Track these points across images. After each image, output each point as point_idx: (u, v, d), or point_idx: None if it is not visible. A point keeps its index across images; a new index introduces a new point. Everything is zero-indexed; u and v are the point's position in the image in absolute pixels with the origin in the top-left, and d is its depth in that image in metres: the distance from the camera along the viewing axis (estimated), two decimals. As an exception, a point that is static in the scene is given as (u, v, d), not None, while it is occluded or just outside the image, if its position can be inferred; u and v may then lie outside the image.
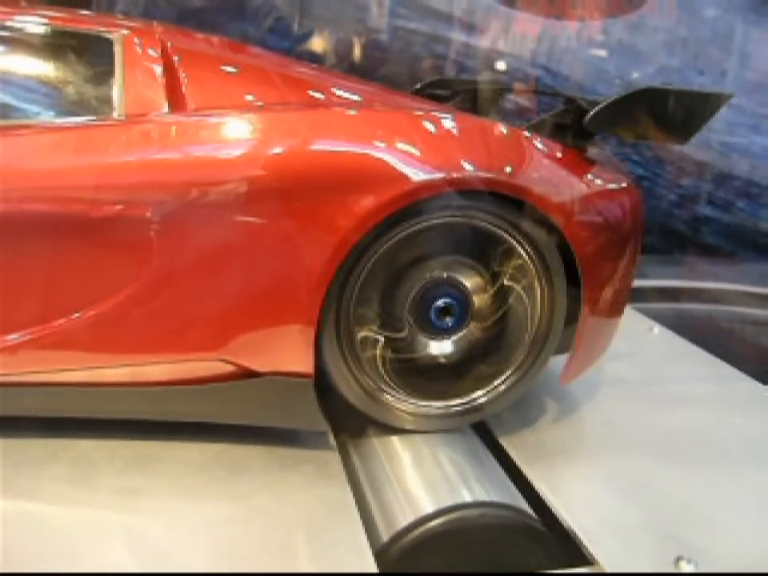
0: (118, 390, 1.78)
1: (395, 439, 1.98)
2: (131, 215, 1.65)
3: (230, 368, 1.77)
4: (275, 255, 1.68)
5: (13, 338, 1.69)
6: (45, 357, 1.71)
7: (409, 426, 1.96)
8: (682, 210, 6.02)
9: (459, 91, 3.10)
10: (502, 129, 1.97)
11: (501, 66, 5.96)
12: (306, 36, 5.49)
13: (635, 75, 5.94)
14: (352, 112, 1.90)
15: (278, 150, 1.70)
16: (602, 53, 5.98)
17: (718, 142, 6.12)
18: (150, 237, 1.66)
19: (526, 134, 2.00)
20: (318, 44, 5.75)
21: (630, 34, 6.01)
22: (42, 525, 1.58)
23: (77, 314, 1.69)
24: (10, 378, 1.73)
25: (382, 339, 1.86)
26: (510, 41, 5.74)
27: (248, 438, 1.91)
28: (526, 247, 1.89)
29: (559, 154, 2.00)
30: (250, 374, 1.78)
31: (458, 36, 5.70)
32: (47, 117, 1.83)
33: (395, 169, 1.71)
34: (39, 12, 1.97)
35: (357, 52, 5.95)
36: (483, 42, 5.65)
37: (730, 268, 5.59)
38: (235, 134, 1.74)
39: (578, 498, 1.86)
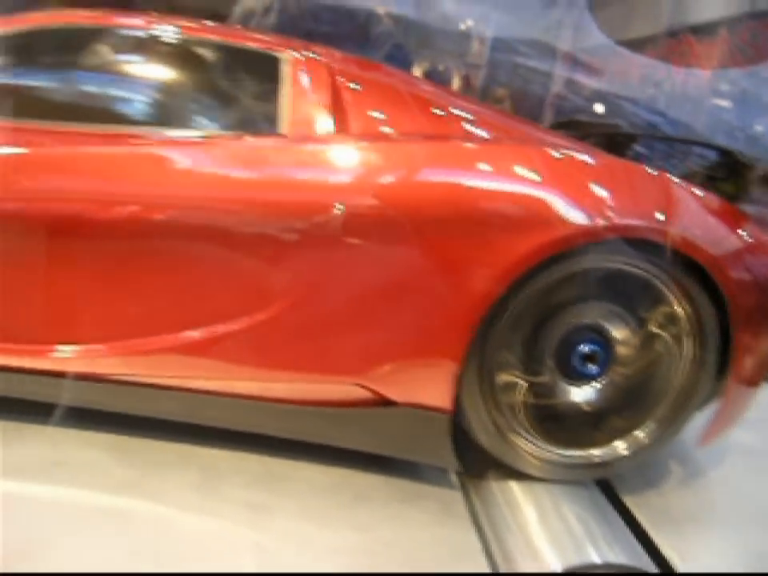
0: (251, 404, 1.78)
1: (515, 486, 1.91)
2: (285, 233, 1.66)
3: (365, 394, 1.75)
4: (426, 288, 1.66)
5: (161, 341, 1.71)
6: (189, 363, 1.73)
7: (533, 472, 1.88)
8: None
9: (591, 134, 3.05)
10: (653, 173, 1.92)
11: (599, 108, 5.88)
12: (432, 75, 5.54)
13: (758, 128, 5.73)
14: (513, 149, 1.87)
15: (436, 182, 1.69)
16: (725, 102, 5.80)
17: None
18: (302, 256, 1.67)
19: (676, 180, 1.94)
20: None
21: (755, 85, 5.82)
22: (169, 529, 1.59)
23: (224, 326, 1.70)
24: (154, 379, 1.76)
25: (523, 383, 1.80)
26: (630, 84, 5.64)
27: (369, 464, 1.88)
28: (678, 296, 1.81)
29: (713, 205, 1.93)
30: (385, 403, 1.75)
31: (578, 77, 5.65)
32: (214, 129, 1.87)
33: (552, 212, 1.67)
34: (210, 27, 2.03)
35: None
36: (602, 84, 5.58)
37: None
38: (394, 163, 1.74)
39: (710, 570, 1.75)
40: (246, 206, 1.68)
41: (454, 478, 1.93)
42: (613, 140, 3.00)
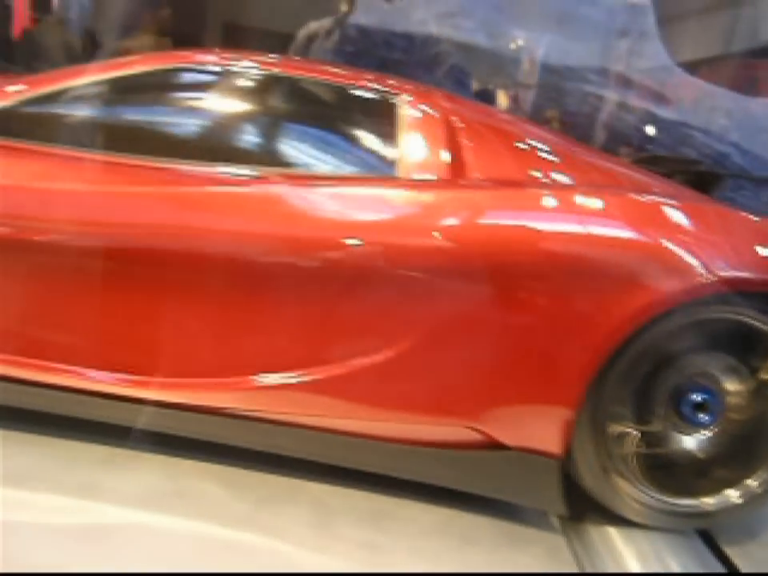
0: (362, 442, 1.81)
1: (614, 532, 1.90)
2: (406, 276, 1.70)
3: (476, 437, 1.76)
4: (545, 336, 1.68)
5: (279, 378, 1.76)
6: (305, 401, 1.77)
7: (637, 519, 1.87)
8: None
9: (676, 171, 3.03)
10: (757, 219, 1.92)
11: (650, 130, 5.81)
12: (483, 95, 5.58)
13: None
14: (636, 198, 1.88)
15: (555, 232, 1.71)
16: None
17: None
18: (421, 300, 1.70)
19: None
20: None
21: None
22: (288, 566, 1.62)
23: (342, 365, 1.74)
24: (268, 415, 1.80)
25: (634, 432, 1.80)
26: (701, 114, 5.57)
27: (471, 504, 1.89)
28: None
29: None
30: (495, 446, 1.77)
31: (647, 105, 5.62)
32: (334, 170, 1.92)
33: (668, 266, 1.69)
34: (323, 68, 2.09)
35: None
36: (671, 114, 5.53)
37: None
38: (510, 210, 1.77)
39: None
40: (363, 247, 1.71)
41: (555, 521, 1.93)
42: (699, 178, 2.97)
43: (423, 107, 1.97)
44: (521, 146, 2.12)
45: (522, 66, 6.40)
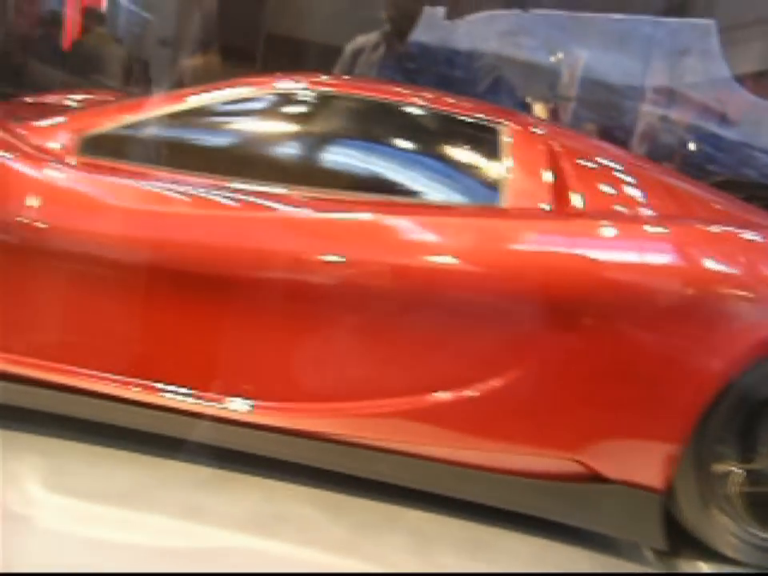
0: (462, 471, 1.81)
1: (705, 567, 1.88)
2: (514, 309, 1.71)
3: (578, 469, 1.76)
4: (655, 373, 1.69)
5: (383, 405, 1.77)
6: (408, 428, 1.79)
7: (732, 554, 1.85)
8: None
9: (753, 196, 2.98)
10: None
11: (692, 146, 5.74)
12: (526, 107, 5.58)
13: None
14: (735, 237, 1.85)
15: (667, 265, 1.72)
16: None
17: None
18: (528, 329, 1.71)
19: None
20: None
21: None
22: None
23: (447, 394, 1.75)
24: (369, 441, 1.81)
25: (739, 471, 1.79)
26: (765, 134, 5.49)
27: (567, 535, 1.88)
28: None
29: None
30: (597, 478, 1.77)
31: (708, 125, 5.56)
32: (431, 197, 1.93)
33: None
34: (423, 95, 2.11)
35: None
36: (732, 134, 5.46)
37: None
38: (619, 242, 1.77)
39: None
40: (475, 278, 1.73)
41: (648, 554, 1.91)
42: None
43: (525, 133, 1.98)
44: (598, 166, 2.09)
45: (561, 78, 6.39)
